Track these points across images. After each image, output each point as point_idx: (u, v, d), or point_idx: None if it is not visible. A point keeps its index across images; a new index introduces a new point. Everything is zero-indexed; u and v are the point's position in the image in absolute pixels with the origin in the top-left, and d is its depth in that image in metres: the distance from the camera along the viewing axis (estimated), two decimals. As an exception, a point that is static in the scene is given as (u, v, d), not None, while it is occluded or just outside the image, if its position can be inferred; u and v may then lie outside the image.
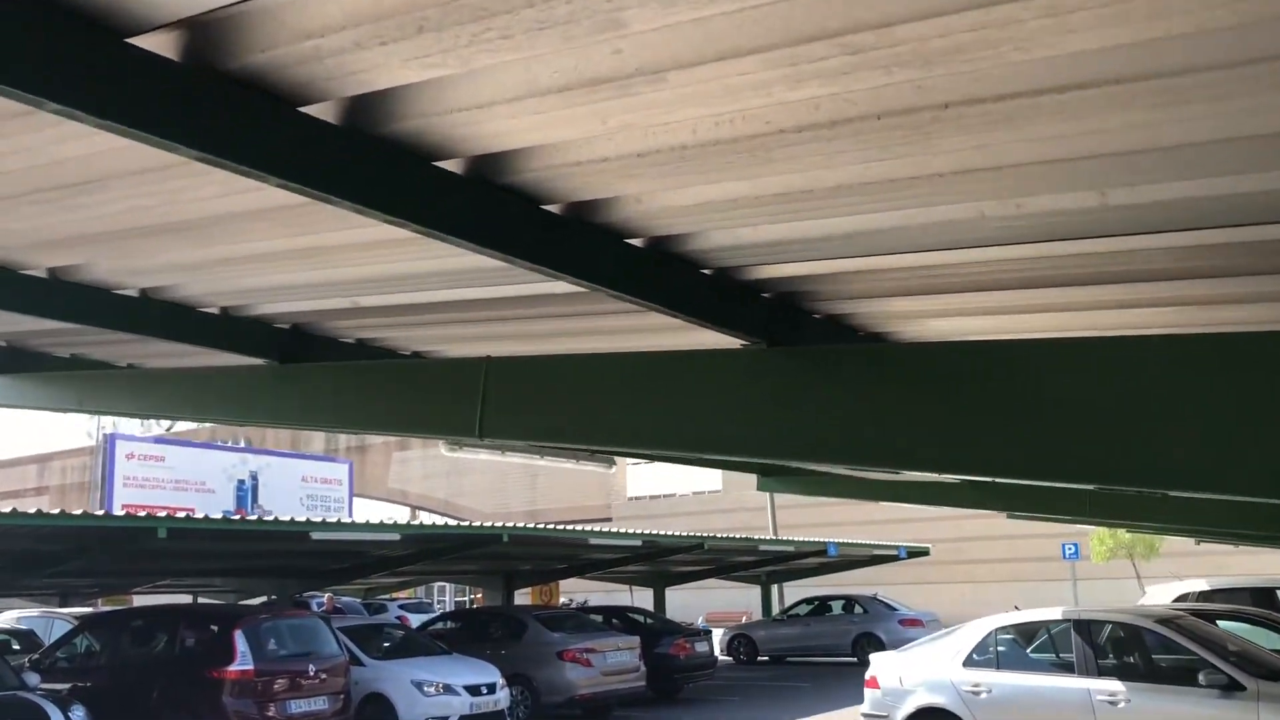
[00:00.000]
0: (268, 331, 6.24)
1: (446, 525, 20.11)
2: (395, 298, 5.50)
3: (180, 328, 5.82)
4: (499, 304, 5.47)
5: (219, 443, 44.55)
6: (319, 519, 20.19)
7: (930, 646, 13.51)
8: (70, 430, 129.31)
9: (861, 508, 44.40)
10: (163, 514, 17.61)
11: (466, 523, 20.63)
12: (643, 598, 37.22)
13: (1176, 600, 19.47)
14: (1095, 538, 37.16)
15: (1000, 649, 12.63)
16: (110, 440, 36.14)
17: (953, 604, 39.89)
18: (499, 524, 21.15)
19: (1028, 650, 12.85)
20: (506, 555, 24.98)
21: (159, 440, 42.34)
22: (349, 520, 19.68)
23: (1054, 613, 13.81)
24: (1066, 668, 11.96)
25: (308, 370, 6.33)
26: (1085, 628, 12.42)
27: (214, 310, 5.94)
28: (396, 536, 19.80)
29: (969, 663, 12.47)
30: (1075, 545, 42.79)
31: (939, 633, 14.91)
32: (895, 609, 30.58)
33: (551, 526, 22.62)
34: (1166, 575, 38.78)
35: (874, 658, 13.59)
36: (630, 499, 50.53)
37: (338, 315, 6.04)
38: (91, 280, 5.31)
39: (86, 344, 6.93)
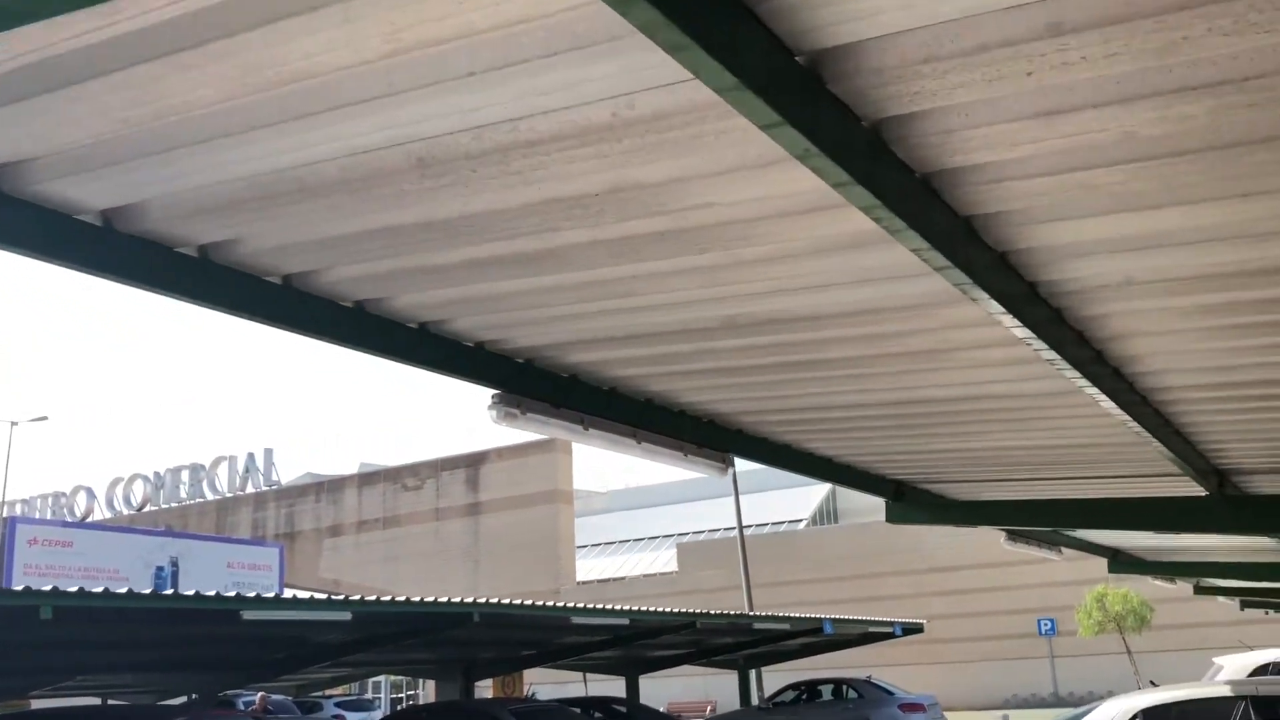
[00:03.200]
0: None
1: (407, 600, 15.67)
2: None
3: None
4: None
5: (134, 527, 39.38)
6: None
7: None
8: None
9: (819, 588, 40.94)
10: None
11: (432, 598, 16.19)
12: (602, 688, 32.78)
13: (1256, 671, 16.15)
14: (1082, 611, 33.83)
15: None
16: (10, 524, 31.26)
17: (928, 685, 36.08)
18: (465, 598, 16.95)
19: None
20: (468, 641, 20.79)
21: (66, 524, 37.27)
22: (288, 597, 15.37)
23: (1217, 689, 10.25)
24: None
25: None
26: (1270, 706, 8.97)
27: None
28: (347, 615, 15.54)
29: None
30: (1052, 621, 39.54)
31: None
32: (892, 692, 26.69)
33: (529, 604, 18.43)
34: (1153, 649, 36.00)
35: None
36: (580, 583, 46.18)
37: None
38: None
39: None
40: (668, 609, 23.01)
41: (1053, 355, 4.31)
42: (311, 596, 16.02)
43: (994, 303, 3.68)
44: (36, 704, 25.81)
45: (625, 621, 20.18)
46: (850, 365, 5.25)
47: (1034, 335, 4.06)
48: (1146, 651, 34.28)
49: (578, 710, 21.09)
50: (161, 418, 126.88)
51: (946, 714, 27.63)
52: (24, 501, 55.74)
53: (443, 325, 4.74)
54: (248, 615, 14.60)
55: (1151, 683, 13.83)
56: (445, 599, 16.96)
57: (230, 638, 17.39)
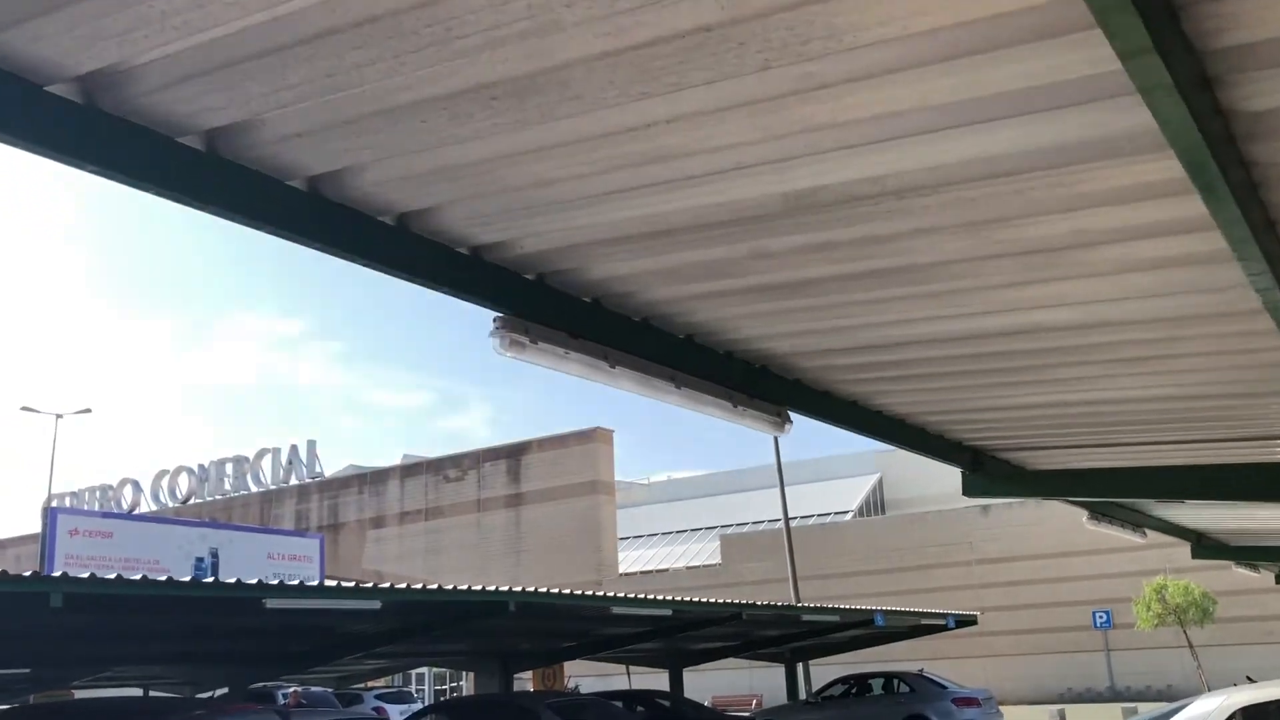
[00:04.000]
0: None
1: (440, 588, 14.69)
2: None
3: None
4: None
5: (175, 518, 38.91)
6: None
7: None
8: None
9: (865, 580, 39.68)
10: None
11: (465, 586, 15.21)
12: (645, 681, 31.76)
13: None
14: (1140, 603, 32.31)
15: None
16: (51, 515, 30.70)
17: (983, 679, 34.74)
18: (503, 587, 15.98)
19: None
20: (505, 632, 19.87)
21: (106, 515, 36.75)
22: (313, 585, 14.49)
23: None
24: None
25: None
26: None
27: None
28: (377, 604, 14.66)
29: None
30: (1107, 613, 38.01)
31: (1140, 717, 10.13)
32: (945, 686, 25.43)
33: (567, 592, 17.43)
34: (1215, 643, 34.43)
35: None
36: (622, 575, 45.21)
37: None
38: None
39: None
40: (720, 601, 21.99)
41: (1244, 238, 3.19)
42: (339, 585, 15.10)
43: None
44: (80, 694, 25.52)
45: (668, 612, 19.14)
46: (941, 272, 4.16)
47: (1220, 200, 2.94)
48: (1208, 645, 32.75)
49: (619, 704, 20.10)
50: (208, 411, 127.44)
51: (1000, 708, 26.33)
52: (72, 494, 55.61)
53: (427, 218, 3.74)
54: (271, 604, 13.82)
55: (1249, 678, 12.57)
56: (480, 587, 16.02)
57: (259, 629, 16.64)
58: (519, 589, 16.05)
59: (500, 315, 3.88)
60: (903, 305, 4.50)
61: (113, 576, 12.58)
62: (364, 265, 3.54)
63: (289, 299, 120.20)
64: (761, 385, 5.32)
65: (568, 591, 17.31)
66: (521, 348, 3.90)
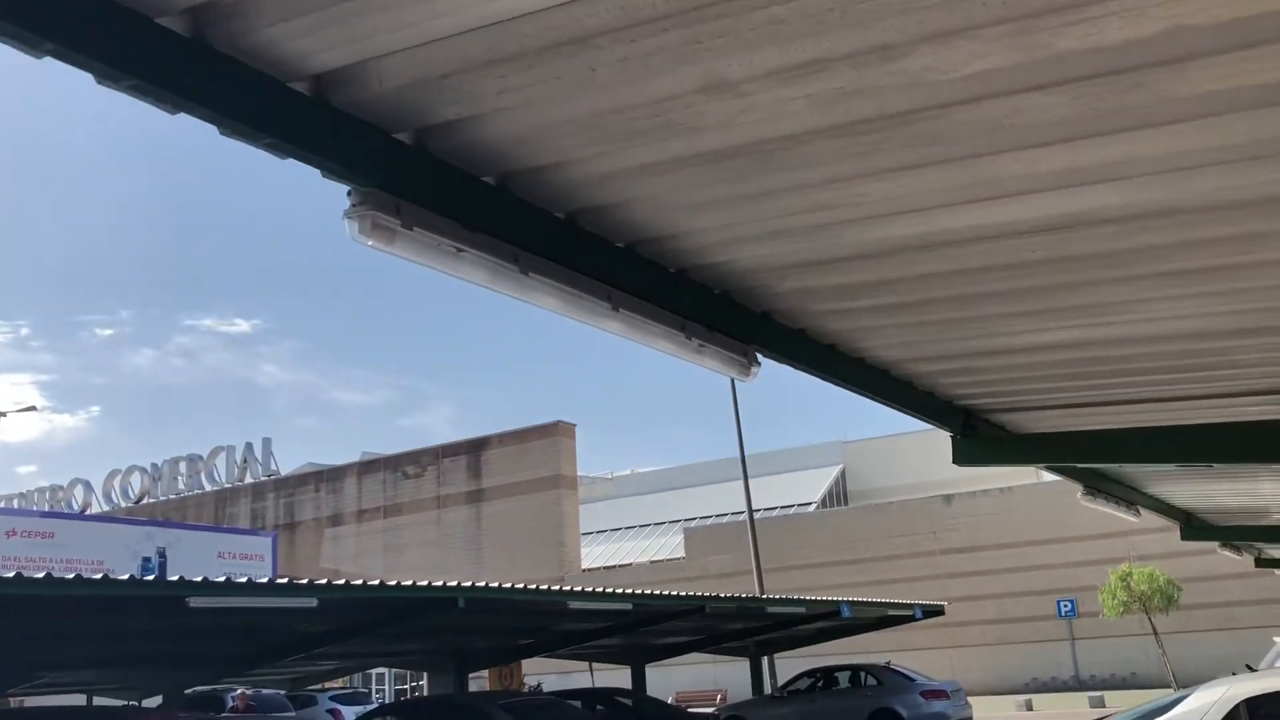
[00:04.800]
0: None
1: (382, 584, 13.51)
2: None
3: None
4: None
5: (119, 516, 37.44)
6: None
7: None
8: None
9: (830, 571, 38.83)
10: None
11: (410, 582, 14.04)
12: (607, 678, 30.69)
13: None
14: (1106, 591, 31.63)
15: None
16: (-12, 515, 29.12)
17: (950, 670, 33.98)
18: (452, 583, 14.82)
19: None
20: (458, 630, 18.75)
21: (46, 515, 35.18)
22: (240, 581, 13.27)
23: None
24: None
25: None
26: None
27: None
28: (313, 602, 13.45)
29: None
30: (1072, 601, 37.36)
31: (1139, 709, 9.39)
32: (913, 679, 24.55)
33: (520, 587, 16.32)
34: (1179, 630, 33.83)
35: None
36: (585, 570, 44.12)
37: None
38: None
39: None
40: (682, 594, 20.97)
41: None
42: (290, 581, 13.90)
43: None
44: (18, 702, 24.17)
45: (628, 606, 18.09)
46: (960, 125, 3.10)
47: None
48: (1172, 633, 32.17)
49: (578, 703, 19.05)
50: (166, 407, 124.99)
51: (968, 699, 25.50)
52: (20, 495, 53.80)
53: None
54: (196, 603, 12.65)
55: (1248, 667, 11.69)
56: (426, 583, 14.88)
57: (197, 630, 15.44)
58: (468, 584, 14.89)
59: (359, 189, 2.81)
60: (900, 183, 3.43)
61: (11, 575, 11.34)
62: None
63: (247, 297, 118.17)
64: (724, 316, 4.27)
65: (521, 586, 16.20)
66: (390, 236, 2.82)
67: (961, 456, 6.68)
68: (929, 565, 38.29)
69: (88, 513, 48.64)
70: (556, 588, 26.34)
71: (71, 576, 12.21)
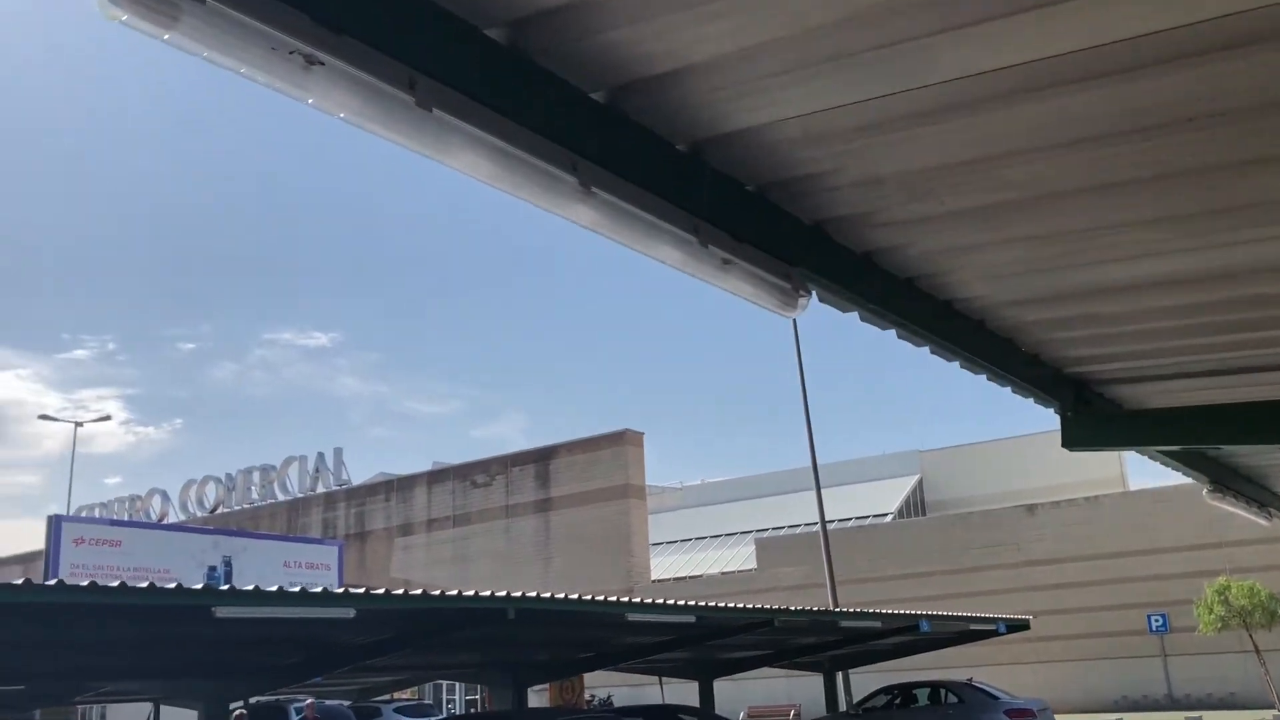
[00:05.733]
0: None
1: (425, 594, 12.40)
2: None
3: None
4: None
5: (187, 525, 37.13)
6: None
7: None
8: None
9: (908, 584, 37.14)
10: None
11: (455, 591, 12.92)
12: (674, 693, 29.37)
13: None
14: (1202, 605, 29.53)
15: None
16: (55, 523, 28.82)
17: (1035, 687, 32.05)
18: (501, 592, 13.71)
19: None
20: (514, 641, 17.67)
21: (114, 523, 34.97)
22: (271, 590, 12.31)
23: None
24: None
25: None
26: None
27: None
28: (350, 612, 12.46)
29: None
30: (1164, 616, 35.17)
31: None
32: (997, 696, 22.96)
33: (574, 597, 15.16)
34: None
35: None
36: (654, 581, 42.85)
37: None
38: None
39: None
40: (750, 606, 19.67)
41: None
42: (325, 590, 12.94)
43: None
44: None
45: (691, 619, 16.85)
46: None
47: None
48: (1276, 650, 29.94)
49: (639, 720, 17.87)
50: (246, 420, 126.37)
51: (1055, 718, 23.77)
52: (101, 505, 54.12)
53: None
54: (222, 612, 11.77)
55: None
56: (473, 593, 13.81)
57: (228, 641, 14.60)
58: (518, 594, 13.78)
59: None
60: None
61: (20, 582, 10.50)
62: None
63: (324, 311, 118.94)
64: (758, 222, 3.07)
65: (575, 597, 15.05)
66: (171, 19, 1.68)
67: (1072, 438, 5.37)
68: (1012, 578, 36.35)
69: (165, 521, 48.67)
70: (609, 598, 25.21)
71: (85, 584, 11.35)
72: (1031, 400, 5.26)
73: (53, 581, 11.22)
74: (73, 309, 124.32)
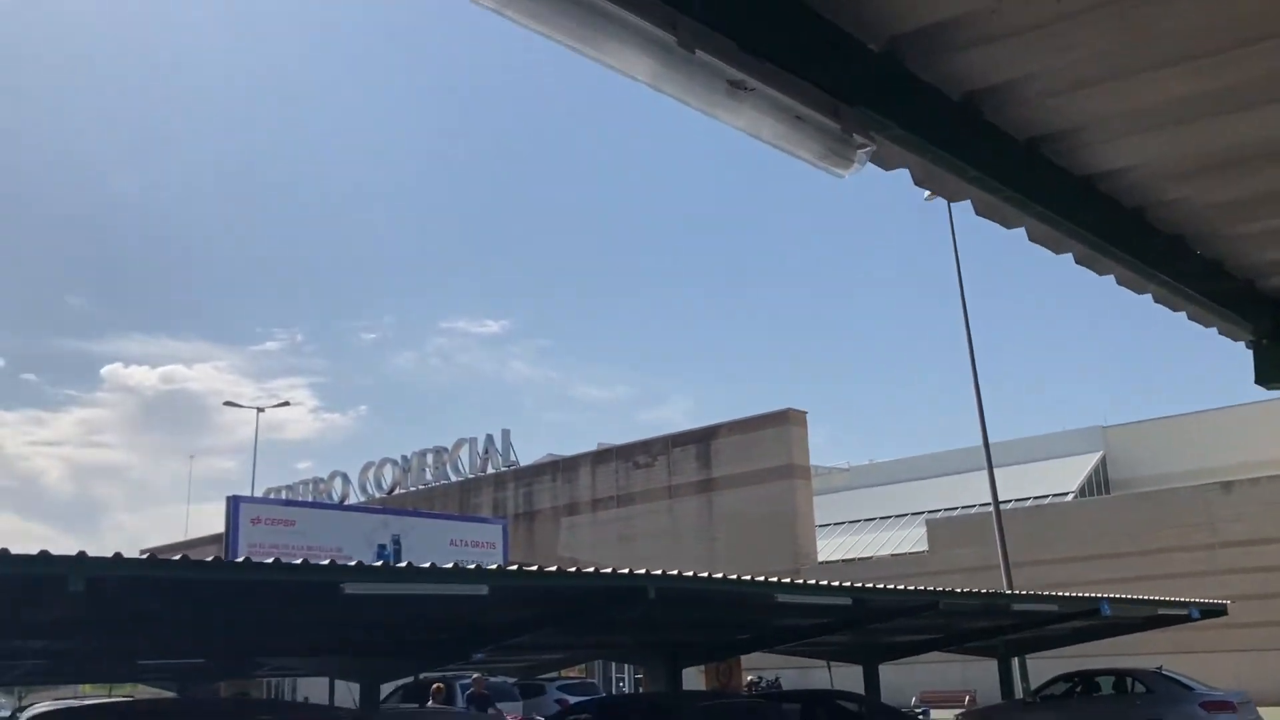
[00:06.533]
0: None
1: (558, 571, 11.77)
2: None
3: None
4: None
5: (357, 505, 37.95)
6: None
7: None
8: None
9: (1089, 566, 34.84)
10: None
11: (591, 569, 12.23)
12: (845, 676, 28.19)
13: None
14: None
15: None
16: (234, 504, 29.74)
17: (1232, 678, 29.50)
18: (641, 570, 13.00)
19: None
20: (665, 621, 16.97)
21: (289, 503, 35.94)
22: (401, 567, 11.92)
23: None
24: None
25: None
26: None
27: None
28: (483, 589, 11.95)
29: None
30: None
31: None
32: (1191, 687, 21.02)
33: (719, 577, 14.31)
34: None
35: None
36: (821, 563, 41.61)
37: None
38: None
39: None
40: (914, 588, 18.44)
41: None
42: (455, 566, 12.52)
43: None
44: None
45: (847, 601, 15.77)
46: None
47: None
48: None
49: (796, 706, 16.91)
50: (425, 405, 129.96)
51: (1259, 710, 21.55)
52: (288, 487, 56.24)
53: None
54: (350, 589, 11.47)
55: None
56: (610, 570, 13.15)
57: (360, 620, 14.45)
58: (658, 572, 13.04)
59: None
60: None
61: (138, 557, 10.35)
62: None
63: (496, 299, 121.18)
64: (801, 43, 2.14)
65: (719, 576, 14.20)
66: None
67: (1266, 372, 4.20)
68: (1205, 560, 33.63)
69: (347, 502, 50.15)
70: (780, 579, 24.25)
71: (210, 560, 11.14)
72: (1214, 330, 4.13)
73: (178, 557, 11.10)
74: (264, 304, 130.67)
